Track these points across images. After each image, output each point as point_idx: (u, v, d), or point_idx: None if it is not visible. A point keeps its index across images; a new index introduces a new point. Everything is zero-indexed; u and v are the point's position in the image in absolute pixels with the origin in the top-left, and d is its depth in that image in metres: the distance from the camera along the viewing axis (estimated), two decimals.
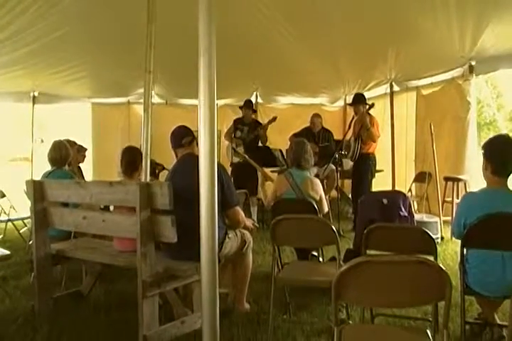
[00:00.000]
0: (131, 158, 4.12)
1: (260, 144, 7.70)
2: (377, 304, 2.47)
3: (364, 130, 6.67)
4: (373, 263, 2.10)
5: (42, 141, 8.41)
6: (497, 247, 2.85)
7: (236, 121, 7.85)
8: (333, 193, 7.67)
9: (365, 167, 6.86)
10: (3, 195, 6.30)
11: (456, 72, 6.91)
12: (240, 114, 7.92)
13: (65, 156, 4.70)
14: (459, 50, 6.28)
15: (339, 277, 2.06)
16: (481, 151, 3.15)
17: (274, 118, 7.61)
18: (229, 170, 7.25)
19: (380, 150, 7.50)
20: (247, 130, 7.64)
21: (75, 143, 5.82)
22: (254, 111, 7.96)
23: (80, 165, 6.37)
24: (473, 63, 6.55)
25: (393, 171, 7.79)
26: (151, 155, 4.73)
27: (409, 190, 7.45)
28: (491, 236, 2.84)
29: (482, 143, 3.23)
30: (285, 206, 4.18)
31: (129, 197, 3.25)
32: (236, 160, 7.53)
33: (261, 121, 8.07)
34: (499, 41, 5.88)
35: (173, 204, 3.12)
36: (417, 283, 2.06)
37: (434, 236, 3.14)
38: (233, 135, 7.76)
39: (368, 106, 6.72)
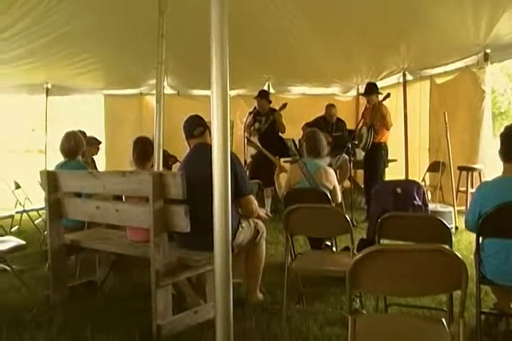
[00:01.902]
0: (142, 148, 4.11)
1: (280, 134, 7.65)
2: (392, 292, 2.45)
3: (380, 119, 6.64)
4: (389, 251, 2.09)
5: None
6: None
7: (253, 113, 7.80)
8: (346, 183, 7.64)
9: (377, 156, 6.85)
10: (19, 187, 6.36)
11: (470, 60, 6.81)
12: (253, 104, 7.88)
13: (74, 147, 4.68)
14: (473, 37, 6.18)
15: (354, 265, 2.05)
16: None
17: (285, 105, 7.55)
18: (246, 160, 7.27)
19: (394, 140, 7.45)
20: (265, 120, 7.60)
21: (85, 134, 5.83)
22: (270, 102, 7.86)
23: (94, 156, 6.40)
24: (488, 51, 6.45)
25: (406, 161, 7.73)
26: (164, 146, 4.73)
27: (423, 179, 7.40)
28: (507, 225, 2.81)
29: (498, 133, 3.19)
30: (298, 195, 4.17)
31: (142, 187, 3.25)
32: (253, 151, 7.49)
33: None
34: None
35: (186, 194, 3.11)
36: (433, 272, 2.04)
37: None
38: (252, 127, 7.72)
39: (383, 96, 6.69)
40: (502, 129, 3.13)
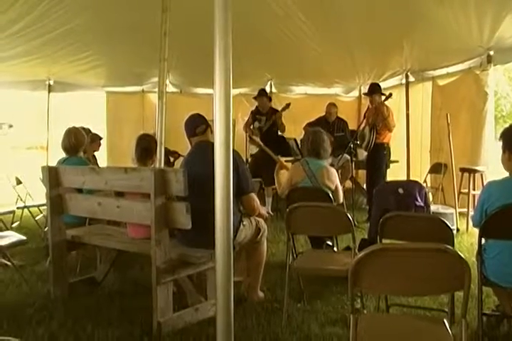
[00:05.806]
0: (146, 146, 4.11)
1: (279, 133, 7.66)
2: (394, 292, 2.45)
3: (381, 119, 6.63)
4: (391, 250, 2.08)
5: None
6: None
7: (253, 112, 7.81)
8: (348, 184, 7.63)
9: (379, 157, 6.84)
10: (20, 182, 6.35)
11: (473, 62, 6.79)
12: (254, 103, 7.89)
13: (75, 144, 4.66)
14: (476, 39, 6.16)
15: (356, 264, 2.04)
16: (499, 142, 3.08)
17: (288, 105, 7.56)
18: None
19: (396, 141, 7.45)
20: (265, 119, 7.60)
21: (89, 131, 5.83)
22: (270, 100, 7.88)
23: (95, 153, 6.40)
24: (491, 53, 6.43)
25: (408, 162, 7.72)
26: (165, 144, 4.71)
27: (425, 181, 7.39)
28: (509, 226, 2.80)
29: (499, 134, 3.14)
30: (300, 194, 4.17)
31: (143, 183, 3.25)
32: (253, 150, 7.50)
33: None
34: None
35: (187, 191, 3.11)
36: (436, 272, 2.03)
37: None
38: (252, 126, 7.73)
39: (385, 97, 6.68)
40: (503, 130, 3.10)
